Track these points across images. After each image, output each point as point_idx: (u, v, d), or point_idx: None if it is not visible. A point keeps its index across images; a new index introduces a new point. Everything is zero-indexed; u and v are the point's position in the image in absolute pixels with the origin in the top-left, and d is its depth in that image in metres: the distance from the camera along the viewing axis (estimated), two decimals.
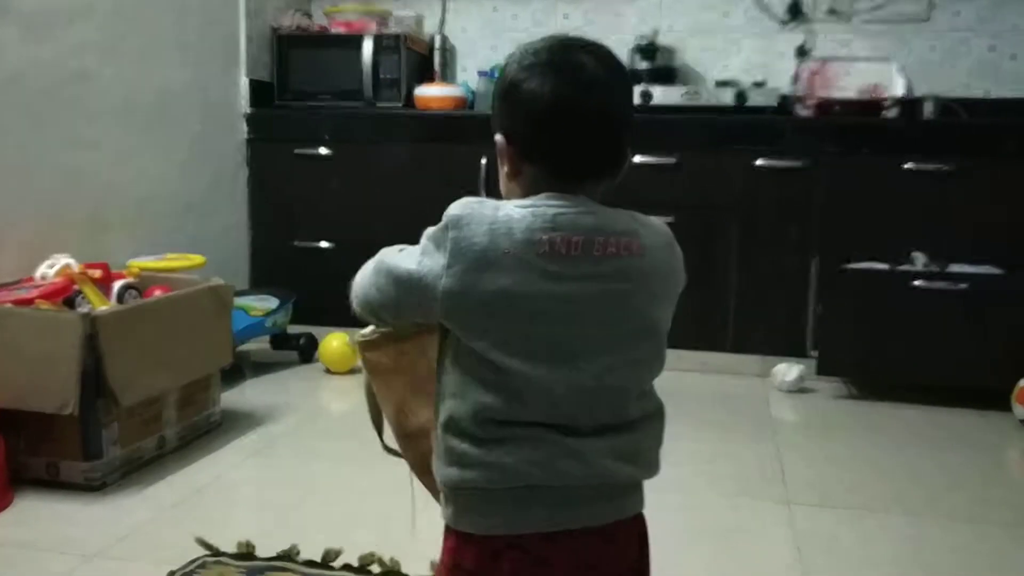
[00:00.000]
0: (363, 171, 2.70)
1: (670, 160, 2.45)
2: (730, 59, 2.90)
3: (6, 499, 1.56)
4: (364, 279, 0.81)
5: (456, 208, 0.75)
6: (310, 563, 1.37)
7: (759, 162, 2.45)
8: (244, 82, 2.73)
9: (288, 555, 1.39)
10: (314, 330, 2.64)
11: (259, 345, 2.62)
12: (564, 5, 3.00)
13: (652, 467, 0.78)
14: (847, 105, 2.65)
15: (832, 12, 2.82)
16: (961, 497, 1.72)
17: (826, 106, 2.64)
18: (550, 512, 0.73)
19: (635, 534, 0.80)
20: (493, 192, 0.82)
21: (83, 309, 1.70)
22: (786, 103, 2.67)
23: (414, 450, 0.86)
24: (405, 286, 0.75)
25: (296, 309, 2.62)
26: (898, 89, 2.74)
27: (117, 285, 1.86)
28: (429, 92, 2.78)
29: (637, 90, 2.50)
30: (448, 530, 0.77)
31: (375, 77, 2.74)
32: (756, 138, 2.46)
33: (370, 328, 0.87)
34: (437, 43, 2.97)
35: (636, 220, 0.77)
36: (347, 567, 1.36)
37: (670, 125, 2.46)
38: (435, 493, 0.81)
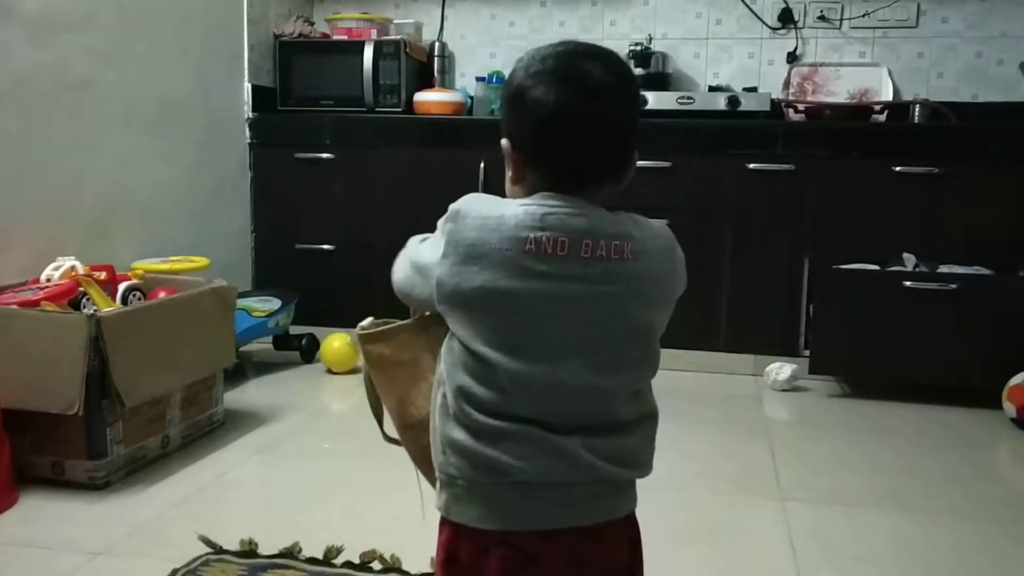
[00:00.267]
0: (364, 175, 2.73)
1: (664, 164, 2.49)
2: (722, 65, 2.94)
3: (11, 498, 1.57)
4: (398, 265, 0.84)
5: (459, 202, 0.77)
6: (312, 560, 1.38)
7: (752, 165, 2.48)
8: (247, 88, 2.76)
9: (290, 553, 1.40)
10: (316, 331, 2.67)
11: (261, 346, 2.64)
12: (560, 13, 3.04)
13: (643, 468, 0.78)
14: (837, 109, 2.69)
15: (822, 18, 2.86)
16: (954, 494, 1.74)
17: (817, 110, 2.67)
18: (540, 510, 0.74)
19: (626, 535, 0.80)
20: (492, 194, 0.85)
21: (88, 311, 1.71)
22: (778, 108, 2.71)
23: (416, 442, 0.87)
24: (421, 274, 0.78)
25: (298, 310, 2.64)
26: (887, 94, 2.78)
27: (122, 287, 1.88)
28: (428, 97, 2.81)
29: None
30: (443, 522, 0.79)
31: (376, 83, 2.78)
32: (748, 142, 2.49)
33: (368, 320, 0.89)
34: (436, 50, 3.00)
35: (635, 223, 0.78)
36: (348, 564, 1.37)
37: (664, 130, 2.50)
38: (435, 484, 0.82)
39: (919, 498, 1.72)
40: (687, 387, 2.43)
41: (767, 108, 2.62)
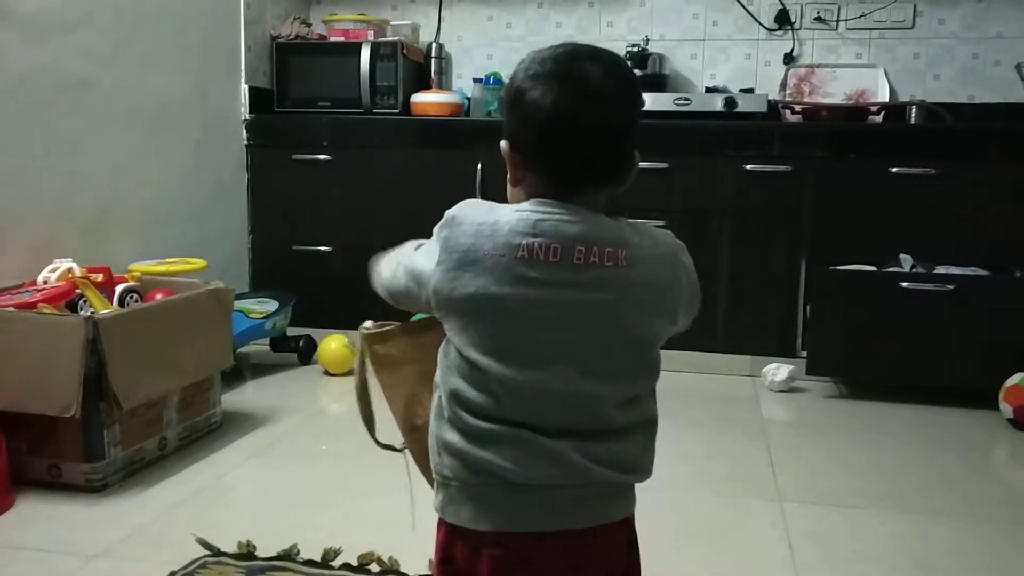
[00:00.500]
0: (361, 176, 2.73)
1: (662, 165, 2.50)
2: (719, 66, 2.94)
3: (8, 501, 1.57)
4: (387, 269, 0.84)
5: (454, 208, 0.78)
6: (310, 563, 1.38)
7: (748, 166, 2.48)
8: (244, 89, 2.76)
9: (288, 555, 1.40)
10: (313, 332, 2.67)
11: (259, 347, 2.64)
12: (556, 14, 3.04)
13: (642, 472, 0.78)
14: (834, 110, 2.70)
15: (819, 20, 2.86)
16: (951, 494, 1.74)
17: (814, 112, 2.68)
18: (532, 512, 0.74)
19: (623, 539, 0.80)
20: (489, 197, 0.85)
21: (85, 313, 1.71)
22: (775, 109, 2.72)
23: (422, 442, 0.87)
24: (417, 281, 0.79)
25: (295, 312, 2.64)
26: (884, 95, 2.79)
27: (119, 289, 1.88)
28: (425, 99, 2.81)
29: None
30: (439, 522, 0.79)
31: (372, 84, 2.78)
32: (745, 143, 2.50)
33: (370, 322, 0.89)
34: (433, 51, 3.01)
35: (634, 230, 0.77)
36: (346, 566, 1.37)
37: (661, 131, 2.51)
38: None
39: (916, 498, 1.72)
40: (685, 388, 2.43)
41: (764, 109, 2.62)
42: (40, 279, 1.82)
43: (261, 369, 2.57)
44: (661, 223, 2.41)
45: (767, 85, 2.87)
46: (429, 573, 1.28)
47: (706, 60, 2.95)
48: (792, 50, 2.89)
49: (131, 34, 2.22)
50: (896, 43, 2.83)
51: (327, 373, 2.53)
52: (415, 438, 0.90)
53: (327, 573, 1.36)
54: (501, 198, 0.82)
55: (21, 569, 1.37)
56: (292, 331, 2.66)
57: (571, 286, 0.74)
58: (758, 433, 2.10)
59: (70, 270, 1.83)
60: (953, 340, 2.28)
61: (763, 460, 1.91)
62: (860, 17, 2.82)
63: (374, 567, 1.37)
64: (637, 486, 0.80)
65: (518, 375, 0.73)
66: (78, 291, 1.78)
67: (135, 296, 1.90)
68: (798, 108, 2.69)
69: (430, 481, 0.86)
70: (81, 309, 1.76)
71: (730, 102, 2.61)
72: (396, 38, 2.85)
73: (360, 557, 1.39)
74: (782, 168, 2.47)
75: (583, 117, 0.74)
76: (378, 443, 0.95)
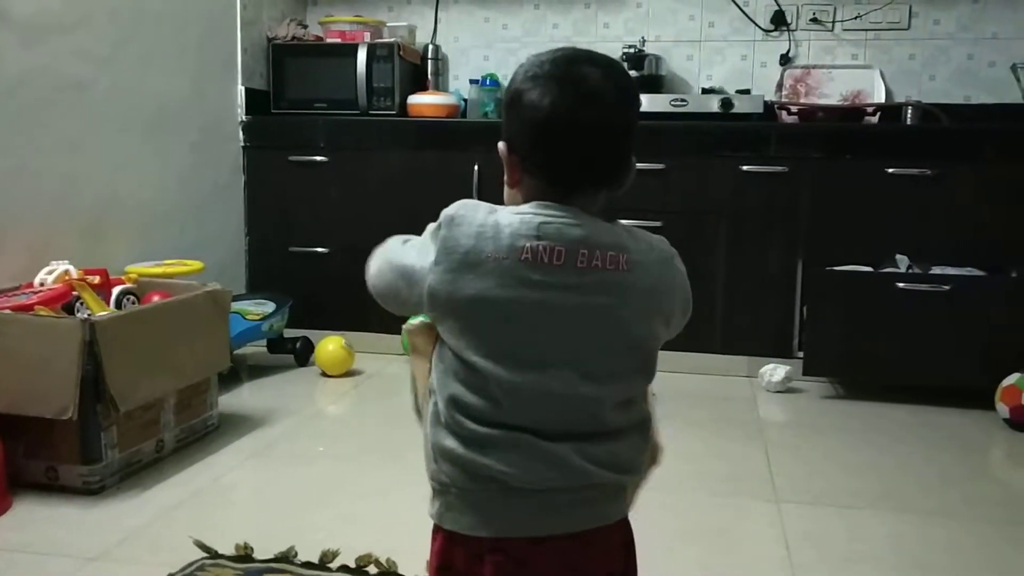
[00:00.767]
0: (358, 177, 2.73)
1: (658, 166, 2.50)
2: (715, 67, 2.95)
3: (5, 503, 1.57)
4: (376, 267, 0.83)
5: (452, 208, 0.77)
6: (308, 564, 1.38)
7: (745, 167, 2.49)
8: (240, 91, 2.76)
9: (286, 557, 1.40)
10: (310, 334, 2.66)
11: (256, 349, 2.64)
12: (553, 15, 3.04)
13: (636, 472, 0.79)
14: (830, 111, 2.71)
15: (815, 21, 2.87)
16: (948, 494, 1.75)
17: (810, 112, 2.69)
18: (533, 516, 0.74)
19: (619, 540, 0.80)
20: (485, 197, 0.85)
21: (82, 315, 1.71)
22: (771, 110, 2.72)
23: None
24: (407, 279, 0.78)
25: (292, 313, 2.64)
26: (880, 95, 2.80)
27: (116, 291, 1.87)
28: (422, 100, 2.81)
29: None
30: (436, 530, 0.79)
31: (369, 86, 2.78)
32: (742, 144, 2.50)
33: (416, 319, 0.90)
34: (430, 52, 3.01)
35: (630, 235, 0.77)
36: (344, 568, 1.37)
37: (658, 132, 2.51)
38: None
39: (913, 499, 1.73)
40: (681, 389, 2.43)
41: (760, 110, 2.63)
42: (37, 281, 1.82)
43: (258, 371, 2.57)
44: (658, 224, 2.42)
45: (763, 86, 2.87)
46: (426, 575, 1.29)
47: (702, 61, 2.95)
48: (788, 51, 2.89)
49: (128, 36, 2.22)
50: (892, 44, 2.84)
51: (324, 375, 2.53)
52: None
53: (325, 575, 1.36)
54: (497, 199, 0.82)
55: (18, 572, 1.36)
56: (289, 332, 2.66)
57: (574, 289, 0.74)
58: (755, 434, 2.10)
59: (67, 272, 1.83)
60: (949, 340, 2.28)
61: (760, 461, 1.91)
62: (856, 18, 2.83)
63: (372, 569, 1.37)
64: None
65: (517, 378, 0.73)
66: (75, 293, 1.78)
67: (132, 298, 1.90)
68: (794, 109, 2.70)
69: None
70: (78, 311, 1.75)
71: (726, 103, 2.61)
72: (392, 39, 2.85)
73: (358, 559, 1.39)
74: (778, 169, 2.48)
75: (581, 119, 0.75)
76: (417, 411, 0.96)
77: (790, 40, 2.89)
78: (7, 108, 1.84)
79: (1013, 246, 2.38)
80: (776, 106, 2.74)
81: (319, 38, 2.94)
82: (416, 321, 0.90)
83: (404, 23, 3.02)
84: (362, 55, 2.77)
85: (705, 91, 2.83)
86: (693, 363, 2.55)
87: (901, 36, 2.83)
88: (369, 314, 2.70)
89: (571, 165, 0.77)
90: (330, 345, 2.51)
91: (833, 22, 2.86)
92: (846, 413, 2.29)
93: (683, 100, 2.65)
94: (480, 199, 0.81)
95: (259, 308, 2.51)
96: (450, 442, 0.75)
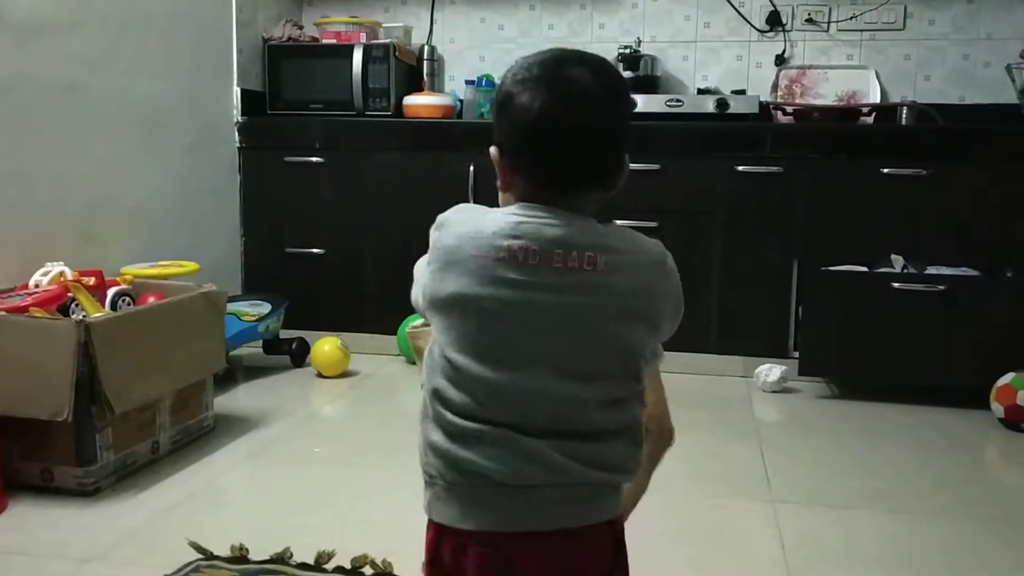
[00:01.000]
0: (353, 178, 2.73)
1: (654, 166, 2.50)
2: (711, 68, 2.96)
3: (0, 505, 1.57)
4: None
5: (448, 211, 0.80)
6: (303, 566, 1.38)
7: (740, 168, 2.50)
8: (236, 92, 2.75)
9: (281, 558, 1.40)
10: (306, 335, 2.66)
11: (251, 350, 2.64)
12: (549, 16, 3.05)
13: (627, 473, 0.78)
14: (825, 112, 2.71)
15: (810, 21, 2.88)
16: (943, 494, 1.75)
17: (805, 113, 2.69)
18: (516, 511, 0.74)
19: (609, 539, 0.79)
20: (481, 198, 0.86)
21: (77, 316, 1.71)
22: (766, 110, 2.73)
23: None
24: (418, 284, 0.82)
25: (288, 314, 2.64)
26: (875, 96, 2.80)
27: (111, 292, 1.87)
28: (418, 101, 2.81)
29: None
30: (428, 523, 0.80)
31: (365, 86, 2.78)
32: (737, 144, 2.51)
33: (419, 321, 0.93)
34: (425, 53, 3.01)
35: (622, 237, 0.77)
36: (340, 569, 1.37)
37: (653, 132, 2.52)
38: None
39: (908, 499, 1.73)
40: (677, 389, 2.40)
41: (756, 110, 2.63)
42: (32, 282, 1.82)
43: (254, 372, 2.57)
44: (653, 224, 2.43)
45: (759, 86, 2.88)
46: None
47: (698, 62, 2.96)
48: (783, 51, 2.90)
49: (123, 37, 2.22)
50: (887, 44, 2.85)
51: (320, 375, 2.52)
52: None
53: None
54: (493, 200, 0.83)
55: (13, 574, 1.36)
56: (285, 333, 2.65)
57: (551, 289, 0.74)
58: (750, 434, 2.11)
59: (62, 273, 1.83)
60: (944, 340, 2.29)
61: (755, 461, 1.91)
62: (851, 19, 2.84)
63: (367, 570, 1.37)
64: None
65: (497, 376, 0.74)
66: (70, 294, 1.78)
67: (127, 299, 1.90)
68: (790, 109, 2.70)
69: None
70: (73, 313, 1.75)
71: (722, 103, 2.62)
72: (388, 40, 2.85)
73: (353, 560, 1.39)
74: (774, 169, 2.48)
75: (569, 120, 0.75)
76: None
77: (785, 40, 2.90)
78: (1, 110, 1.84)
79: (1008, 246, 2.39)
80: (771, 106, 2.74)
81: (315, 39, 2.94)
82: (419, 323, 0.91)
83: (400, 24, 3.02)
84: (358, 56, 2.77)
85: (701, 92, 2.84)
86: (688, 363, 2.55)
87: (896, 36, 2.83)
88: (365, 315, 2.71)
89: (561, 167, 0.77)
90: (326, 346, 2.51)
91: (828, 22, 2.86)
92: (841, 413, 2.30)
93: (679, 101, 2.65)
94: (476, 200, 0.82)
95: (255, 309, 2.51)
96: (436, 435, 0.77)
